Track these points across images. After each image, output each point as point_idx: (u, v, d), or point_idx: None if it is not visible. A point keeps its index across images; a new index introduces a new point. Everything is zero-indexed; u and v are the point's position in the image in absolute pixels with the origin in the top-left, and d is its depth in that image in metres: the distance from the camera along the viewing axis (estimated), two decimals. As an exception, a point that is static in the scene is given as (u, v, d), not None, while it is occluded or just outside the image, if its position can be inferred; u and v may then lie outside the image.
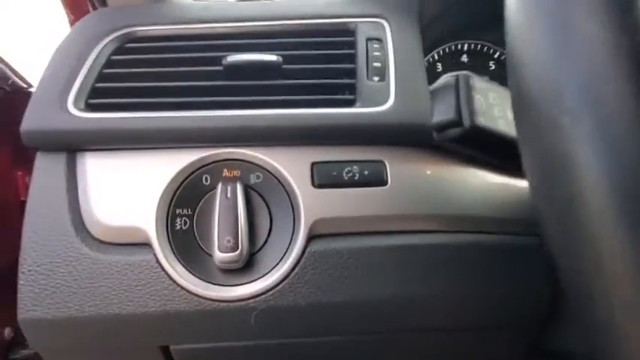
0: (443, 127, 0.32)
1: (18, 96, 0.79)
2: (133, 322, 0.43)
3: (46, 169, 0.45)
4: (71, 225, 0.43)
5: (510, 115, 0.34)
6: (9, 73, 0.79)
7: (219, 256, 0.43)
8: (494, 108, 0.33)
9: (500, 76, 0.66)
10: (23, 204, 0.75)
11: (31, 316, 0.42)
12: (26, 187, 0.76)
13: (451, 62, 0.68)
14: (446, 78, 0.33)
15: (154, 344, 0.46)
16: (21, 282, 0.43)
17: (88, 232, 0.44)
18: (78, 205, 0.44)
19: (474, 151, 0.33)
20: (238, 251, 0.43)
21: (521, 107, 0.21)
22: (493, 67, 0.65)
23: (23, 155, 0.77)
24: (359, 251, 0.45)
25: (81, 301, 0.43)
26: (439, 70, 0.69)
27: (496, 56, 0.68)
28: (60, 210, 0.44)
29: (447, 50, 0.69)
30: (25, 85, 0.82)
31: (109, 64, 0.49)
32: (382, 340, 0.50)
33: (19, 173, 0.76)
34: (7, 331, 0.73)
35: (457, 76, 0.32)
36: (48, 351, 0.45)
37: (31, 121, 0.45)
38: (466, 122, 0.31)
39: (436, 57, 0.69)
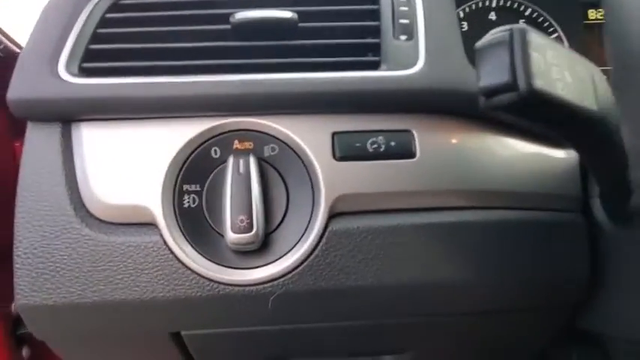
0: (492, 92, 0.27)
1: (11, 61, 0.74)
2: (140, 308, 0.40)
3: (38, 142, 0.41)
4: (69, 204, 0.39)
5: (569, 77, 0.29)
6: (1, 37, 0.74)
7: (231, 237, 0.39)
8: (552, 69, 0.28)
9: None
10: None
11: (30, 302, 0.39)
12: None
13: (478, 20, 0.63)
14: (496, 33, 0.28)
15: (164, 331, 0.43)
16: (17, 265, 0.39)
17: (88, 211, 0.40)
18: (75, 181, 0.40)
19: (526, 119, 0.29)
20: (253, 232, 0.39)
21: (629, 78, 0.16)
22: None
23: (21, 124, 0.74)
24: (384, 230, 0.41)
25: (83, 286, 0.39)
26: (464, 29, 0.63)
27: (527, 13, 0.62)
28: (56, 187, 0.40)
29: (474, 7, 0.63)
30: (18, 50, 0.77)
31: (104, 22, 0.44)
32: (406, 324, 0.47)
33: (17, 144, 0.72)
34: (14, 307, 0.71)
35: (511, 29, 0.27)
36: (51, 339, 0.42)
37: (18, 88, 0.40)
38: (522, 86, 0.26)
39: (462, 15, 0.63)
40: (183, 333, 0.43)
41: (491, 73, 0.28)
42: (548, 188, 0.45)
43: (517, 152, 0.44)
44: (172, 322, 0.42)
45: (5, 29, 0.73)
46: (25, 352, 0.72)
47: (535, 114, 0.29)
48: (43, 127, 0.41)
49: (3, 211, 0.66)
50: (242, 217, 0.39)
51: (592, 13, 0.61)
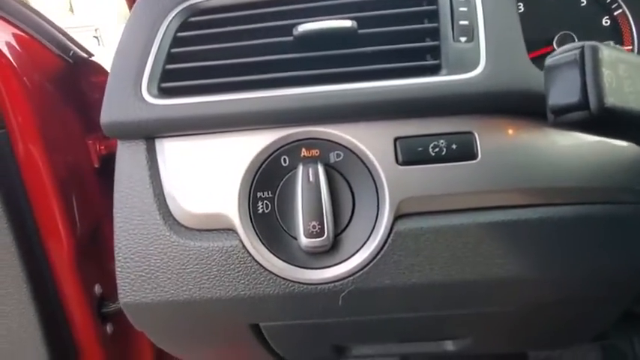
0: (562, 111, 0.28)
1: (80, 66, 0.79)
2: (224, 304, 0.45)
3: (127, 158, 0.45)
4: (158, 214, 0.44)
5: (641, 88, 0.29)
6: (69, 44, 0.79)
7: (305, 241, 0.42)
8: (624, 82, 0.28)
9: (615, 36, 0.57)
10: (97, 171, 0.79)
11: (132, 300, 0.44)
12: (97, 155, 0.79)
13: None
14: (566, 50, 0.29)
15: (245, 323, 0.47)
16: (118, 269, 0.44)
17: (175, 220, 0.44)
18: (162, 193, 0.44)
19: (597, 134, 0.29)
20: (325, 236, 0.42)
21: None
22: (608, 22, 0.56)
23: (92, 124, 0.79)
24: (448, 229, 0.43)
25: (175, 286, 0.44)
26: (521, 10, 0.60)
27: (614, 6, 0.58)
28: (146, 199, 0.44)
29: None
30: (85, 55, 0.82)
31: (176, 42, 0.47)
32: (468, 314, 0.49)
33: (90, 142, 0.78)
34: (97, 287, 0.79)
35: (582, 47, 0.27)
36: (150, 330, 0.48)
37: (109, 112, 0.44)
38: (593, 105, 0.26)
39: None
40: (261, 324, 0.48)
41: (562, 92, 0.28)
42: (612, 181, 0.44)
43: (579, 147, 0.44)
44: (252, 316, 0.47)
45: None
46: (109, 328, 0.80)
47: (607, 129, 0.29)
48: (130, 144, 0.45)
49: (83, 202, 0.73)
50: (314, 222, 0.42)
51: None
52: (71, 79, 0.77)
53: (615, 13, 0.54)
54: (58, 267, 0.69)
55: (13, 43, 0.68)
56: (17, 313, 0.66)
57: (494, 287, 0.45)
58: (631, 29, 0.54)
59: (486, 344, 0.56)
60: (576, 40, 0.58)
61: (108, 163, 0.78)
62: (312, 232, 0.42)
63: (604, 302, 0.50)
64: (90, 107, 0.80)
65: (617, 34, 0.54)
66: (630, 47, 0.54)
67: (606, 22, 0.59)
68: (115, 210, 0.45)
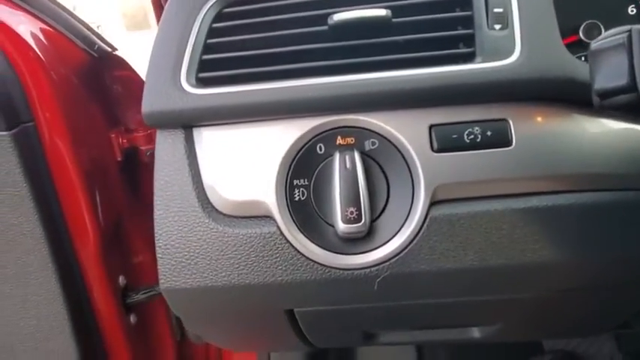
0: (609, 94, 0.28)
1: (104, 60, 0.80)
2: (261, 289, 0.45)
3: (166, 147, 0.46)
4: (197, 202, 0.45)
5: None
6: (94, 38, 0.80)
7: (342, 227, 0.43)
8: (670, 66, 0.29)
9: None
10: (120, 164, 0.80)
11: (172, 286, 0.45)
12: (120, 148, 0.80)
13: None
14: (611, 34, 0.29)
15: (280, 308, 0.48)
16: (159, 255, 0.45)
17: (214, 207, 0.45)
18: (201, 181, 0.45)
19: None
20: (362, 222, 0.42)
21: None
22: (634, 11, 0.55)
23: (115, 117, 0.80)
24: (483, 215, 0.43)
25: (215, 272, 0.45)
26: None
27: None
28: (185, 187, 0.45)
29: None
30: (109, 49, 0.83)
31: (212, 33, 0.48)
32: (498, 300, 0.50)
33: (113, 135, 0.79)
34: (121, 279, 0.80)
35: (629, 31, 0.28)
36: (187, 315, 0.49)
37: (149, 101, 0.45)
38: (642, 87, 0.27)
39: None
40: (296, 310, 0.49)
41: (609, 76, 0.29)
42: None
43: (614, 133, 0.44)
44: (287, 301, 0.48)
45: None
46: (132, 318, 0.81)
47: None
48: (169, 133, 0.46)
49: (107, 195, 0.74)
50: (352, 209, 0.42)
51: None
52: (95, 73, 0.77)
53: None
54: (84, 258, 0.71)
55: (41, 37, 0.69)
56: (46, 303, 0.67)
57: (528, 272, 0.45)
58: None
59: (513, 331, 0.56)
60: (603, 29, 0.58)
61: (130, 157, 0.80)
62: (350, 217, 0.42)
63: (634, 288, 0.50)
64: (113, 101, 0.81)
65: (643, 23, 0.54)
66: None
67: (632, 11, 0.59)
68: (155, 198, 0.46)
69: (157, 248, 0.45)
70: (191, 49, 0.46)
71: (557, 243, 0.44)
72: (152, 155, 0.47)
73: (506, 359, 0.97)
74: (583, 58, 0.50)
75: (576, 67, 0.42)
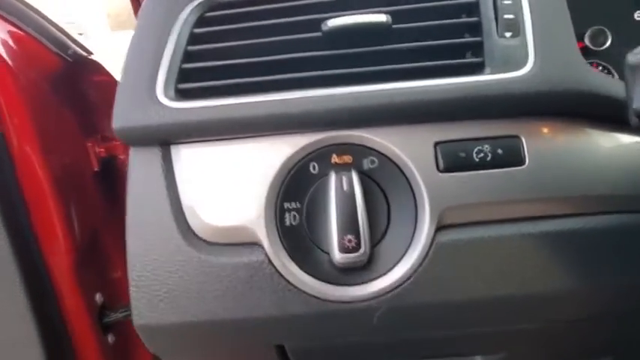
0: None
1: (79, 65, 0.76)
2: (249, 324, 0.41)
3: (141, 166, 0.41)
4: (176, 227, 0.40)
5: None
6: (68, 42, 0.75)
7: (339, 256, 0.38)
8: None
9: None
10: (96, 174, 0.75)
11: (147, 322, 0.41)
12: (97, 158, 0.76)
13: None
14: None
15: (270, 344, 0.44)
16: (133, 289, 0.40)
17: (195, 234, 0.40)
18: (180, 205, 0.41)
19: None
20: (361, 251, 0.38)
21: None
22: (639, 17, 0.53)
23: (92, 125, 0.76)
24: (495, 241, 0.40)
25: (195, 307, 0.40)
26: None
27: None
28: (162, 212, 0.40)
29: None
30: (85, 53, 0.78)
31: (193, 39, 0.43)
32: (504, 330, 0.46)
33: (89, 144, 0.75)
34: (98, 296, 0.76)
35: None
36: (165, 353, 0.44)
37: (120, 116, 0.40)
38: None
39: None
40: (287, 345, 0.44)
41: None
42: None
43: (635, 152, 0.41)
44: (278, 336, 0.43)
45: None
46: (110, 338, 0.77)
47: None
48: (144, 151, 0.41)
49: (82, 207, 0.70)
50: (349, 236, 0.38)
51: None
52: (70, 78, 0.74)
53: None
54: (58, 275, 0.66)
55: (8, 40, 0.65)
56: (16, 325, 0.63)
57: (538, 302, 0.42)
58: None
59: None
60: (609, 35, 0.55)
61: (107, 167, 0.76)
62: (348, 246, 0.38)
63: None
64: (89, 108, 0.77)
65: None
66: None
67: (638, 17, 0.56)
68: (127, 223, 0.41)
69: (130, 280, 0.41)
70: (169, 56, 0.42)
71: (574, 270, 0.40)
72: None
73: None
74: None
75: (595, 79, 0.39)
